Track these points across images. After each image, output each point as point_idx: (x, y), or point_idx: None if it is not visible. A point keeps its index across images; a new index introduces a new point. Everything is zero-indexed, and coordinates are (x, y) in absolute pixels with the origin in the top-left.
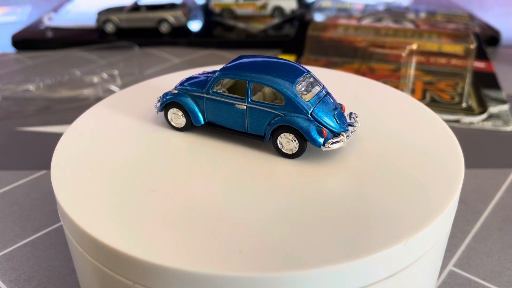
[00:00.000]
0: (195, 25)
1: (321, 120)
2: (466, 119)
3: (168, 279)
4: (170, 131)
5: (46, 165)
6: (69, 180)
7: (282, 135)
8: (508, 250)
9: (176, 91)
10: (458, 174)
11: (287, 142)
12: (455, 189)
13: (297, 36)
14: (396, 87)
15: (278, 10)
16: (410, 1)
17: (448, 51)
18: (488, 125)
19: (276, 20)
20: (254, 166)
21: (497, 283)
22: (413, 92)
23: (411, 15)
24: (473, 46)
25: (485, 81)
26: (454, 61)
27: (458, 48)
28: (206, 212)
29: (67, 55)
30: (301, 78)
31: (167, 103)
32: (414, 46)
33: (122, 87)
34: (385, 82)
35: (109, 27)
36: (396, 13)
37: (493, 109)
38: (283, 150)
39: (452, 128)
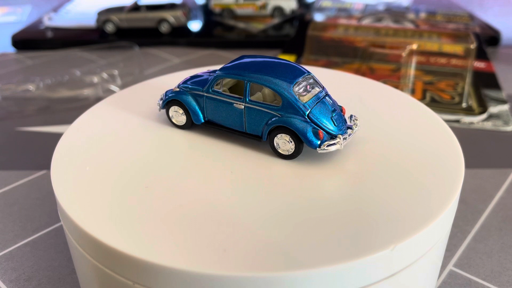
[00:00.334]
0: (195, 25)
1: (318, 122)
2: (466, 119)
3: (168, 279)
4: (170, 130)
5: (46, 165)
6: (69, 180)
7: (279, 135)
8: (508, 250)
9: (178, 89)
10: (458, 174)
11: (283, 143)
12: (455, 189)
13: (297, 36)
14: (396, 87)
15: (278, 10)
16: (410, 1)
17: (448, 51)
18: (488, 125)
19: (276, 20)
20: (254, 167)
21: (497, 283)
22: (413, 92)
23: (411, 15)
24: (473, 46)
25: (485, 81)
26: (454, 61)
27: (458, 48)
28: (206, 212)
29: (67, 55)
30: (300, 79)
31: (169, 100)
32: (414, 46)
33: (122, 87)
34: (385, 82)
35: (109, 27)
36: (396, 13)
37: (493, 109)
38: (280, 151)
39: (452, 128)
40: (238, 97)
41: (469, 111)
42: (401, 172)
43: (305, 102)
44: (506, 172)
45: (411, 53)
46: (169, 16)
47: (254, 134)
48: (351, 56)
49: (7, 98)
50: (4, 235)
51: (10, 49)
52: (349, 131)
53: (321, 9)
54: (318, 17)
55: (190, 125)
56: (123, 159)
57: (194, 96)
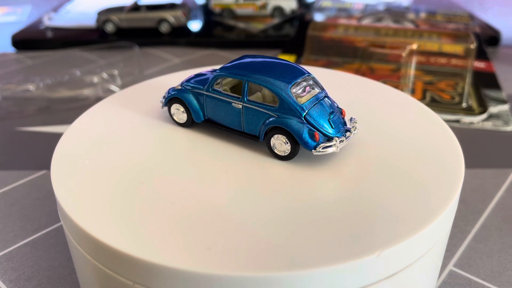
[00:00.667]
0: (195, 25)
1: (314, 123)
2: (466, 119)
3: (168, 279)
4: (170, 129)
5: (46, 165)
6: (69, 180)
7: (276, 136)
8: (508, 250)
9: (180, 87)
10: (458, 174)
11: (280, 143)
12: (455, 189)
13: (297, 36)
14: (396, 87)
15: (278, 10)
16: (410, 1)
17: (448, 51)
18: (488, 125)
19: (276, 20)
20: (254, 167)
21: (497, 283)
22: (413, 92)
23: (411, 15)
24: (473, 46)
25: (485, 81)
26: (454, 61)
27: (458, 48)
28: (206, 212)
29: (67, 55)
30: (299, 80)
31: (170, 98)
32: (414, 46)
33: (122, 87)
34: (385, 82)
35: (109, 27)
36: (396, 13)
37: (493, 109)
38: (276, 151)
39: (452, 128)
40: (237, 96)
41: (469, 111)
42: (401, 172)
43: (303, 103)
44: (506, 172)
45: (411, 53)
46: (169, 16)
47: (252, 134)
48: (351, 56)
49: (7, 98)
50: (4, 235)
51: (10, 49)
52: (347, 133)
53: (321, 9)
54: (318, 17)
55: (190, 123)
56: (123, 159)
57: (195, 94)
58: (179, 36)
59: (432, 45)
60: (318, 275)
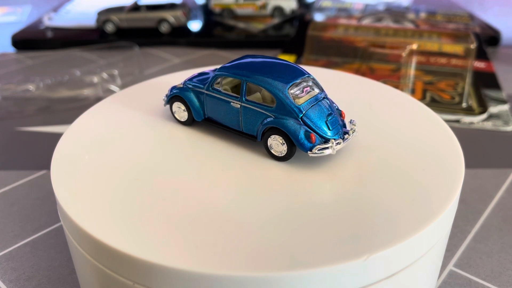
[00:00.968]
0: (195, 25)
1: (311, 125)
2: (466, 119)
3: (168, 279)
4: (170, 129)
5: (46, 165)
6: (69, 180)
7: (272, 136)
8: (508, 250)
9: (181, 86)
10: (458, 174)
11: (276, 144)
12: (455, 189)
13: (297, 36)
14: (396, 87)
15: (278, 10)
16: (410, 1)
17: (448, 51)
18: (488, 125)
19: (276, 20)
20: (255, 167)
21: (497, 283)
22: (413, 92)
23: (411, 15)
24: (473, 46)
25: (485, 81)
26: (454, 61)
27: (458, 48)
28: (206, 212)
29: (67, 55)
30: (298, 81)
31: (172, 96)
32: (414, 46)
33: (122, 87)
34: (385, 82)
35: (109, 27)
36: (396, 13)
37: (493, 109)
38: (273, 152)
39: (452, 128)
40: (235, 96)
41: (469, 111)
42: (401, 172)
43: (300, 104)
44: (506, 172)
45: (411, 53)
46: (169, 16)
47: (250, 134)
48: (351, 56)
49: (7, 98)
50: (4, 235)
51: (10, 49)
52: (345, 136)
53: (321, 9)
54: (318, 17)
55: (191, 122)
56: (123, 159)
57: (196, 93)
58: (179, 36)
59: (432, 45)
60: (318, 275)
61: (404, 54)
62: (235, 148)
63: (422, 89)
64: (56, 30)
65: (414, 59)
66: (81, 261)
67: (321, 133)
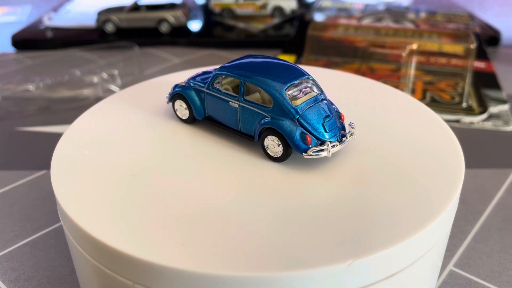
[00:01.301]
0: (195, 25)
1: (308, 126)
2: (466, 119)
3: (168, 279)
4: (170, 129)
5: (46, 165)
6: (69, 180)
7: (269, 137)
8: (509, 250)
9: (184, 84)
10: (459, 174)
11: (272, 145)
12: (456, 189)
13: (297, 36)
14: (396, 87)
15: (278, 10)
16: (410, 1)
17: (448, 51)
18: (488, 125)
19: (276, 20)
20: (255, 167)
21: (497, 283)
22: (413, 92)
23: (411, 15)
24: (473, 46)
25: (485, 81)
26: (454, 61)
27: (458, 48)
28: (206, 212)
29: (67, 55)
30: (297, 81)
31: (174, 94)
32: (414, 46)
33: (122, 87)
34: (385, 82)
35: (109, 27)
36: (396, 13)
37: (493, 109)
38: (269, 152)
39: (452, 128)
40: (234, 95)
41: (469, 111)
42: (401, 172)
43: (297, 105)
44: (506, 172)
45: (411, 53)
46: (169, 16)
47: (248, 134)
48: (351, 56)
49: (7, 98)
50: (4, 235)
51: (10, 49)
52: (343, 139)
53: (321, 9)
54: (318, 17)
55: (192, 120)
56: (123, 159)
57: (197, 91)
58: (179, 36)
59: (432, 45)
60: (318, 275)
61: (404, 54)
62: (236, 148)
63: (422, 89)
64: (56, 30)
65: (414, 59)
66: (81, 261)
67: (318, 135)
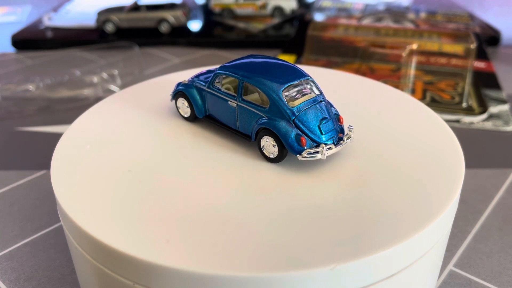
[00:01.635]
0: (195, 25)
1: (303, 128)
2: (467, 119)
3: (168, 279)
4: (170, 129)
5: (46, 165)
6: (69, 180)
7: (265, 137)
8: (509, 250)
9: (187, 82)
10: (459, 174)
11: (268, 145)
12: (456, 189)
13: (297, 36)
14: (396, 87)
15: (278, 10)
16: (410, 1)
17: (448, 51)
18: (488, 125)
19: (276, 20)
20: (255, 167)
21: (497, 283)
22: (413, 92)
23: (411, 15)
24: (473, 46)
25: (485, 81)
26: (454, 61)
27: (458, 48)
28: (206, 212)
29: (67, 55)
30: (295, 82)
31: (177, 92)
32: (414, 46)
33: (122, 87)
34: (385, 82)
35: (109, 27)
36: (396, 13)
37: (493, 109)
38: (265, 152)
39: (453, 128)
40: (233, 95)
41: (469, 111)
42: (401, 172)
43: (294, 107)
44: (506, 172)
45: (411, 53)
46: (169, 16)
47: (245, 134)
48: (351, 56)
49: (7, 98)
50: (4, 235)
51: (10, 49)
52: (340, 142)
53: (321, 9)
54: (318, 17)
55: (193, 118)
56: (123, 159)
57: (199, 90)
58: (179, 36)
59: (432, 45)
60: (318, 275)
61: (404, 54)
62: (236, 148)
63: (422, 89)
64: (56, 30)
65: (414, 59)
66: (81, 261)
67: (314, 137)
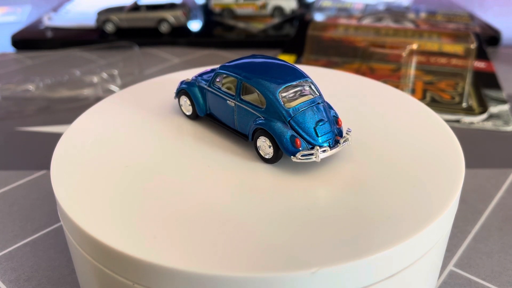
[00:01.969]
0: (195, 25)
1: (299, 130)
2: (467, 119)
3: (168, 279)
4: (169, 129)
5: (46, 165)
6: (69, 180)
7: (261, 138)
8: (509, 250)
9: (190, 80)
10: (459, 174)
11: (264, 146)
12: (456, 189)
13: (297, 36)
14: (397, 87)
15: (278, 10)
16: (410, 1)
17: (449, 51)
18: (489, 125)
19: (276, 20)
20: (255, 168)
21: (497, 283)
22: (413, 92)
23: (411, 15)
24: (473, 46)
25: (485, 81)
26: (454, 61)
27: (458, 48)
28: (206, 212)
29: (67, 55)
30: (294, 83)
31: (180, 90)
32: (414, 46)
33: (122, 87)
34: (385, 82)
35: (109, 27)
36: (396, 13)
37: (493, 109)
38: (261, 153)
39: (453, 128)
40: (232, 94)
41: (469, 111)
42: (401, 172)
43: (290, 108)
44: (506, 172)
45: (411, 53)
46: (169, 16)
47: (243, 133)
48: (351, 56)
49: (7, 98)
50: (4, 235)
51: (10, 49)
52: (337, 144)
53: (321, 9)
54: (318, 17)
55: (195, 116)
56: (123, 159)
57: (200, 89)
58: (179, 36)
59: (432, 45)
60: (318, 275)
61: (404, 54)
62: (236, 148)
63: (422, 89)
64: (56, 30)
65: (414, 59)
66: (81, 261)
67: (309, 139)
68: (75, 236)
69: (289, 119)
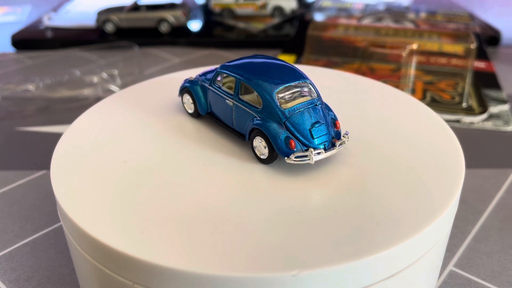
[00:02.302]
0: (195, 25)
1: (294, 131)
2: (467, 119)
3: (168, 279)
4: (169, 129)
5: (46, 165)
6: (69, 180)
7: (257, 138)
8: (509, 250)
9: (193, 79)
10: (459, 174)
11: (260, 146)
12: (456, 189)
13: (297, 36)
14: (397, 87)
15: (278, 10)
16: (410, 1)
17: (449, 51)
18: (489, 125)
19: (276, 20)
20: (255, 167)
21: (497, 283)
22: (413, 92)
23: (411, 15)
24: (473, 46)
25: (486, 81)
26: (454, 61)
27: (458, 48)
28: (206, 212)
29: (67, 55)
30: (291, 84)
31: (183, 88)
32: (415, 46)
33: (122, 87)
34: (385, 82)
35: (109, 27)
36: (396, 13)
37: (494, 109)
38: (256, 152)
39: (453, 128)
40: (231, 93)
41: (469, 111)
42: (401, 172)
43: (286, 109)
44: (506, 172)
45: (411, 53)
46: (169, 16)
47: (241, 133)
48: (351, 56)
49: (7, 98)
50: (4, 235)
51: (10, 49)
52: (333, 147)
53: (321, 9)
54: (318, 17)
55: (197, 114)
56: (123, 159)
57: (202, 87)
58: (179, 36)
59: (432, 45)
60: (318, 275)
61: (404, 54)
62: (236, 148)
63: (422, 89)
64: (56, 30)
65: (414, 59)
66: (81, 261)
67: (304, 141)
68: (75, 236)
69: (285, 120)
